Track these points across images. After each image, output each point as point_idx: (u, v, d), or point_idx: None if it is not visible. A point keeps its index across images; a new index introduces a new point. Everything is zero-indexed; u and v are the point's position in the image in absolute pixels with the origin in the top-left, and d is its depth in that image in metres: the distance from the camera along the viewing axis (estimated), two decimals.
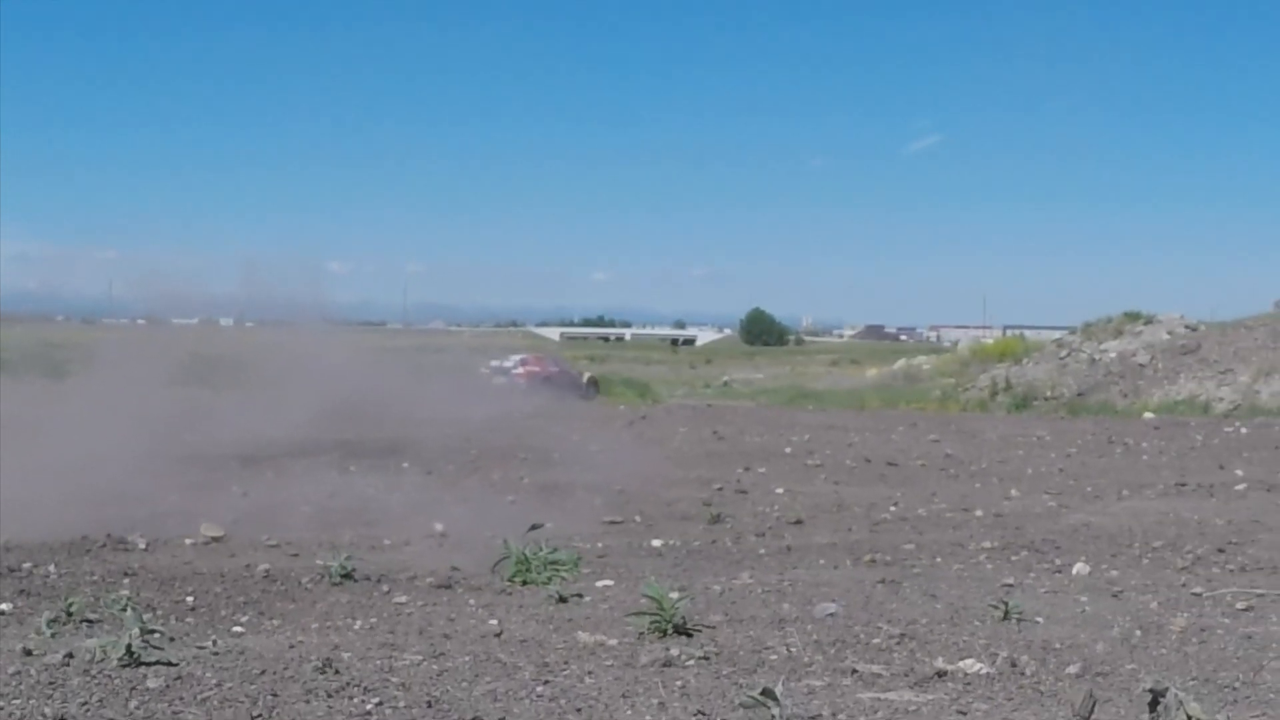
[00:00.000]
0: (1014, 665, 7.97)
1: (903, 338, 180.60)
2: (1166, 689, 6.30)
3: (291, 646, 8.28)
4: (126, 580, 10.72)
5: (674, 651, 8.18)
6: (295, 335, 32.01)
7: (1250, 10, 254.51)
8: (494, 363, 53.16)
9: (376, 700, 6.74)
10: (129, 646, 7.28)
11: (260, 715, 6.45)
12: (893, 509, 17.64)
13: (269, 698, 6.74)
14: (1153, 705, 6.28)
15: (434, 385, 38.35)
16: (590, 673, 7.68)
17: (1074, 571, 12.03)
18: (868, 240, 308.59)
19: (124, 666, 7.16)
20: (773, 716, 6.16)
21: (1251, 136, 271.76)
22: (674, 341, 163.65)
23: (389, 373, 37.68)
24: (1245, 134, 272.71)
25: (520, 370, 52.05)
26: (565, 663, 7.98)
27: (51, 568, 11.17)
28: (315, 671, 7.34)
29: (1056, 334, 68.37)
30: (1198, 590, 10.91)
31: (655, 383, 70.81)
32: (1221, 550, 13.30)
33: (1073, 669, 7.91)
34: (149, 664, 7.26)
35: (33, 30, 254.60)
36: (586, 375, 56.38)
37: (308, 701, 6.71)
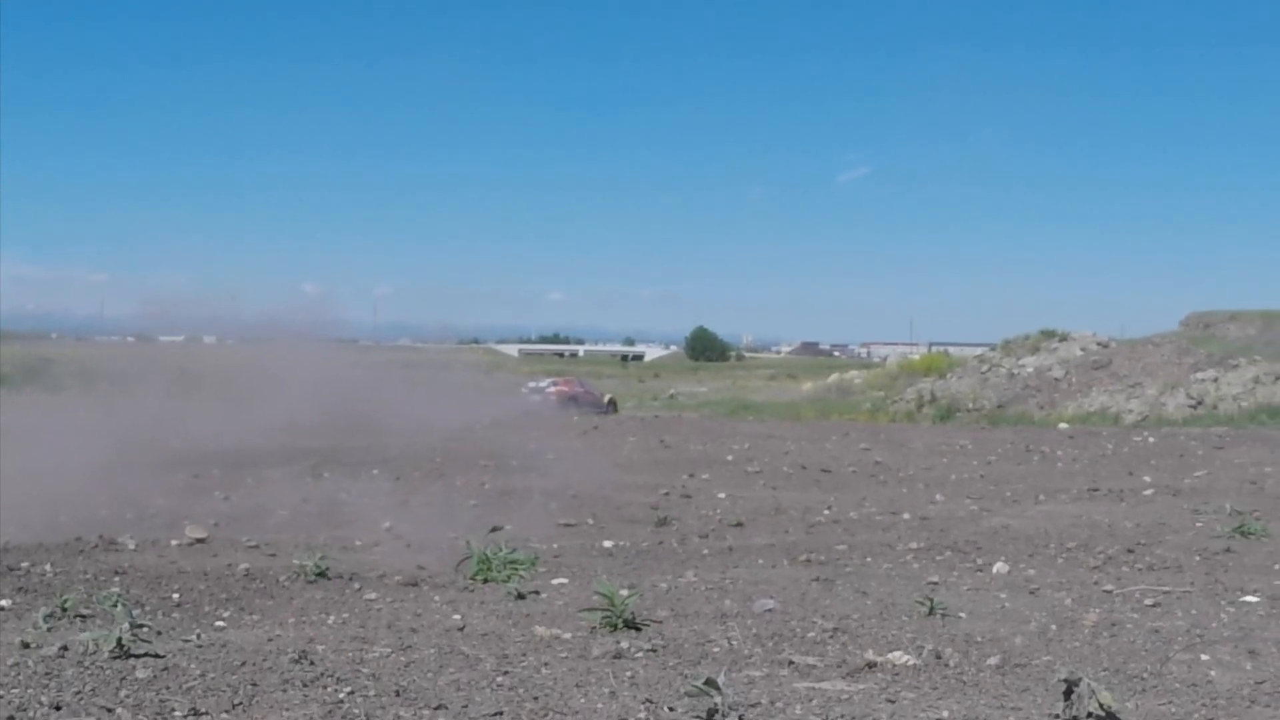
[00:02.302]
0: (939, 657, 8.02)
1: (836, 354, 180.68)
2: (1080, 679, 6.36)
3: (270, 640, 8.26)
4: (117, 578, 10.66)
5: (624, 644, 8.21)
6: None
7: (1158, 48, 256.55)
8: (530, 384, 57.53)
9: (349, 689, 6.74)
10: (119, 640, 7.27)
11: (241, 703, 6.45)
12: (826, 512, 17.68)
13: (249, 687, 6.74)
14: (1067, 694, 6.34)
15: (501, 400, 46.01)
16: (546, 664, 7.69)
17: (994, 570, 12.09)
18: (803, 263, 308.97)
19: (115, 658, 7.15)
20: (715, 705, 6.18)
21: (1158, 167, 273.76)
22: (624, 357, 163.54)
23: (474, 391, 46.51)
24: (1153, 164, 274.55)
25: (552, 390, 55.71)
26: (523, 654, 7.99)
27: (48, 567, 11.11)
28: (292, 663, 7.33)
29: (978, 350, 68.65)
30: (1109, 588, 10.98)
31: None
32: (1131, 551, 13.38)
33: (993, 660, 7.97)
34: (138, 656, 7.25)
35: (26, 63, 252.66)
36: (607, 396, 58.84)
37: (285, 691, 6.71)
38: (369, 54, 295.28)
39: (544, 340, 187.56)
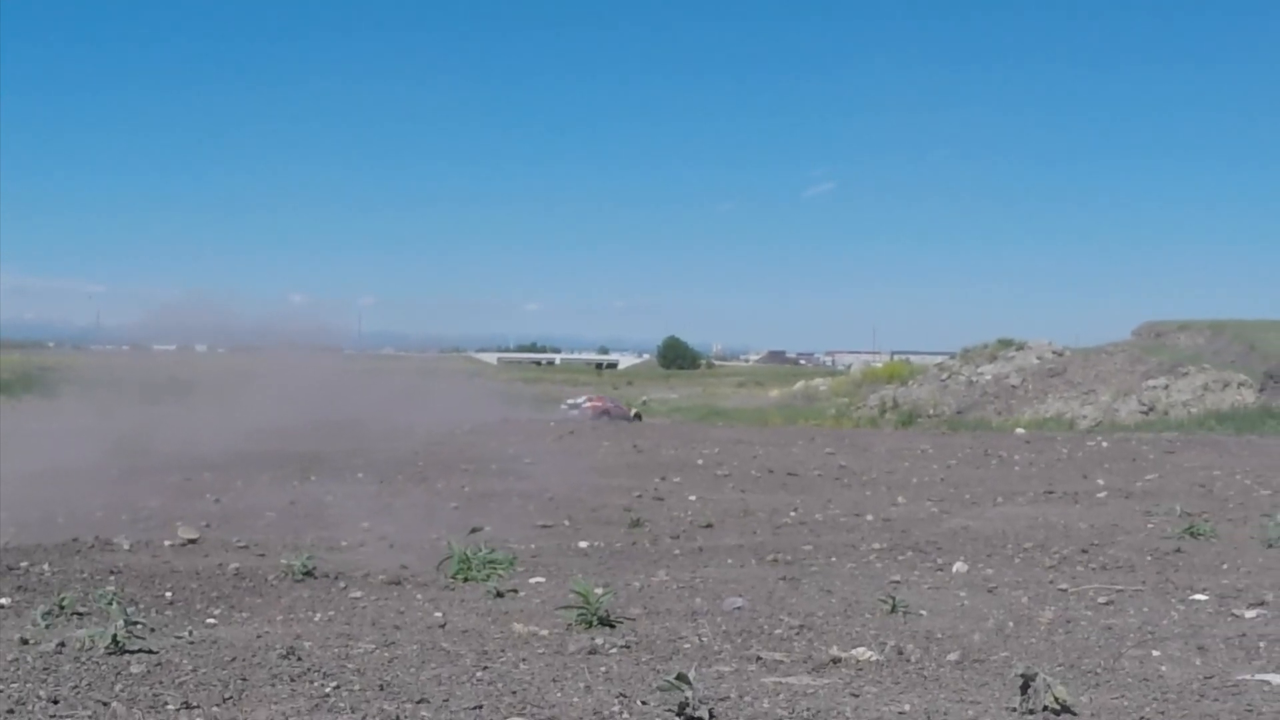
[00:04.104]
0: (900, 653, 8.04)
1: (802, 362, 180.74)
2: (1036, 674, 6.40)
3: (259, 636, 8.26)
4: (112, 577, 10.65)
5: (599, 641, 8.22)
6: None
7: (1111, 65, 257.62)
8: (568, 402, 62.10)
9: (334, 684, 6.74)
10: (115, 636, 7.27)
11: (231, 697, 6.44)
12: (793, 514, 17.72)
13: (239, 682, 6.73)
14: (1024, 688, 6.37)
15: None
16: (524, 659, 7.70)
17: (954, 570, 12.13)
18: (771, 275, 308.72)
19: (110, 654, 7.15)
20: (686, 699, 6.20)
21: (1112, 181, 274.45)
22: (598, 365, 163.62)
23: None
24: (1106, 178, 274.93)
25: (587, 406, 59.43)
26: (502, 650, 8.00)
27: (46, 566, 11.10)
28: (280, 658, 7.33)
29: (938, 358, 68.67)
30: (1064, 586, 11.02)
31: None
32: (1085, 551, 13.43)
33: (953, 656, 7.99)
34: (132, 652, 7.25)
35: (27, 77, 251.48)
36: (633, 410, 61.03)
37: (273, 685, 6.71)
38: (355, 72, 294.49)
39: (522, 349, 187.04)
